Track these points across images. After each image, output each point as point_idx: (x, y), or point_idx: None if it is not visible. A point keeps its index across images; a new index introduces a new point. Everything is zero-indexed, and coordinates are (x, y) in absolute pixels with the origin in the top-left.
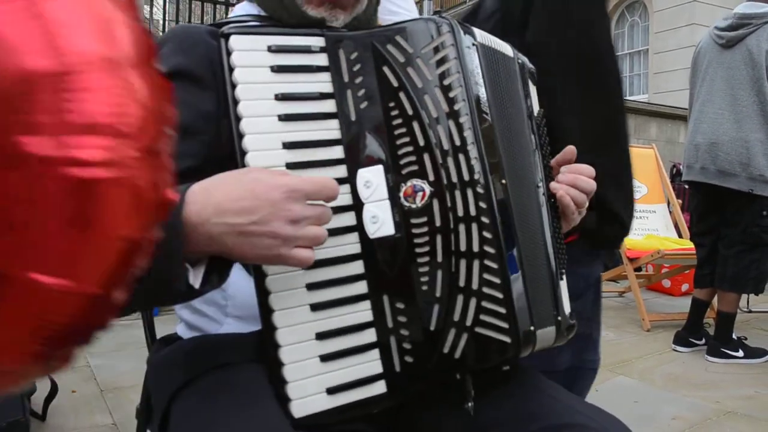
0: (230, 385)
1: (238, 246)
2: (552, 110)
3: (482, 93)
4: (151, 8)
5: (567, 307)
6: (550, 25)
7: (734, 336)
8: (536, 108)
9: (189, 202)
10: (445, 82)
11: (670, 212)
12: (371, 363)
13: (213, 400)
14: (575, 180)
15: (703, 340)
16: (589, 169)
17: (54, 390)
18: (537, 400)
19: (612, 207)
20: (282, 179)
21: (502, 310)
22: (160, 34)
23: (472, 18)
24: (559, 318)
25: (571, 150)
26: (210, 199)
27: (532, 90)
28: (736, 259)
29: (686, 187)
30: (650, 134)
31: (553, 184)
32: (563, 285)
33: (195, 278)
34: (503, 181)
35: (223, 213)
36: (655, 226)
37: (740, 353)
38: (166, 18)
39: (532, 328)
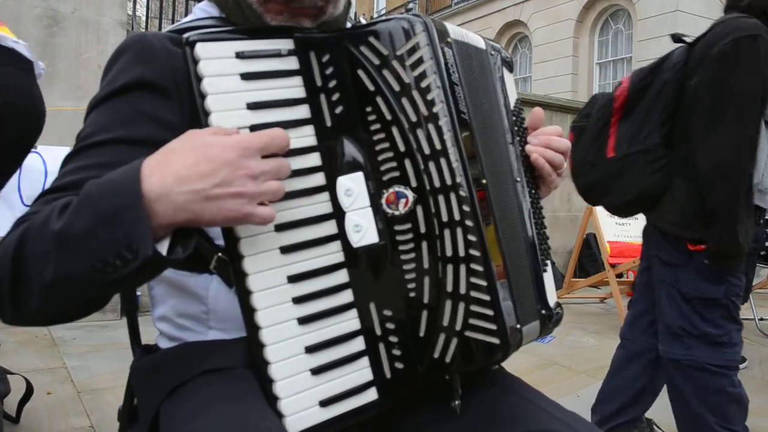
0: (223, 390)
1: (206, 211)
2: (694, 136)
3: (459, 92)
4: (134, 5)
5: (552, 299)
6: (704, 76)
7: None
8: (513, 97)
9: (146, 176)
10: (423, 84)
11: None
12: (361, 371)
13: (206, 406)
14: (548, 141)
15: None
16: (557, 129)
17: (29, 391)
18: (516, 405)
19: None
20: (232, 139)
21: (490, 312)
22: (142, 30)
23: (660, 65)
24: (543, 311)
25: (538, 113)
26: (167, 169)
27: (508, 79)
28: None
29: None
30: None
31: (527, 147)
32: (547, 277)
33: (161, 249)
34: (483, 181)
35: (184, 181)
36: (637, 233)
37: None
38: (149, 15)
39: (518, 326)
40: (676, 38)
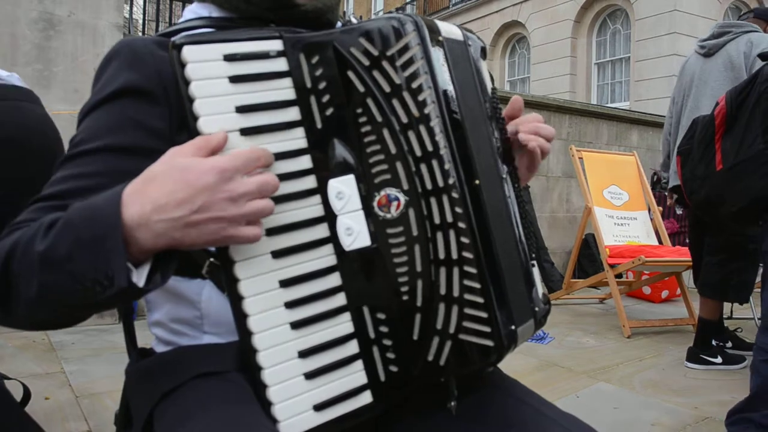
0: (216, 394)
1: (187, 236)
2: None
3: (450, 91)
4: (131, 8)
5: (540, 292)
6: None
7: (713, 342)
8: (489, 86)
9: (126, 204)
10: (414, 85)
11: (650, 219)
12: (355, 375)
13: (200, 410)
14: (537, 128)
15: (729, 344)
16: (538, 116)
17: (26, 396)
18: (512, 407)
19: None
20: (210, 162)
21: (484, 315)
22: (139, 34)
23: (753, 80)
24: (536, 309)
25: (517, 102)
26: (146, 197)
27: (484, 67)
28: (720, 266)
29: (666, 194)
30: (631, 141)
31: (521, 136)
32: (535, 271)
33: (138, 278)
34: (476, 182)
35: (162, 209)
36: (636, 233)
37: (719, 360)
38: (146, 18)
39: (513, 327)
40: (764, 56)
